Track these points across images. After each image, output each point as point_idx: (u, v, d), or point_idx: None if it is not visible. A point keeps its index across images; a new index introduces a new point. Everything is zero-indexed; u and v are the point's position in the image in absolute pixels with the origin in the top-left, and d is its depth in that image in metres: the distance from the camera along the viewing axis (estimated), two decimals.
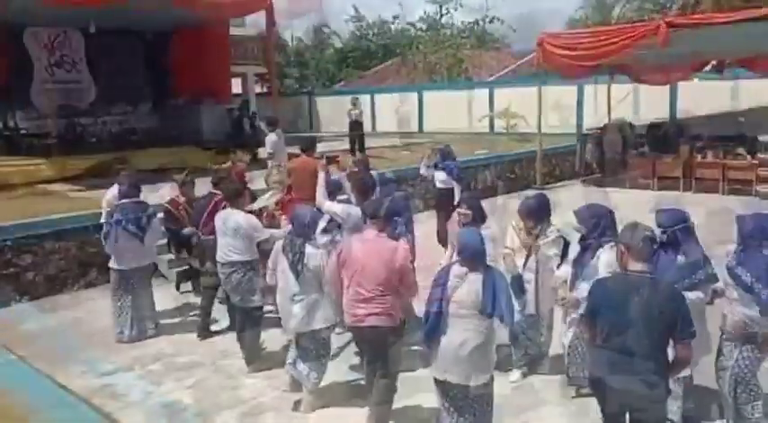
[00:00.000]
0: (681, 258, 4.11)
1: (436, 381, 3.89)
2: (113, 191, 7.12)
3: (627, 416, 3.37)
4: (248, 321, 5.77)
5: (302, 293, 4.70)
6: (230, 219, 5.71)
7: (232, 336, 6.15)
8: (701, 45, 12.60)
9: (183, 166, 7.74)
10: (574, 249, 4.68)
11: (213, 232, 6.07)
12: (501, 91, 20.61)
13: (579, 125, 18.02)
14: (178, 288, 8.02)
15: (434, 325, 3.77)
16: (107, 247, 6.47)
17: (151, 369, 5.81)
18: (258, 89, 24.68)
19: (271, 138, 10.71)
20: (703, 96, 15.70)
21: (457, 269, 3.79)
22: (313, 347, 4.85)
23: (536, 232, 5.01)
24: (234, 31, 17.97)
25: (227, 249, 5.69)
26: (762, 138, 12.75)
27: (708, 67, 15.54)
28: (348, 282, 4.29)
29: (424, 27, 33.55)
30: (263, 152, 11.25)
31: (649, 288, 3.21)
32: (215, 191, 6.65)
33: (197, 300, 7.55)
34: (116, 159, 11.94)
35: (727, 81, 15.19)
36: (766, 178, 12.53)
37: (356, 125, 16.25)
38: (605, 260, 4.25)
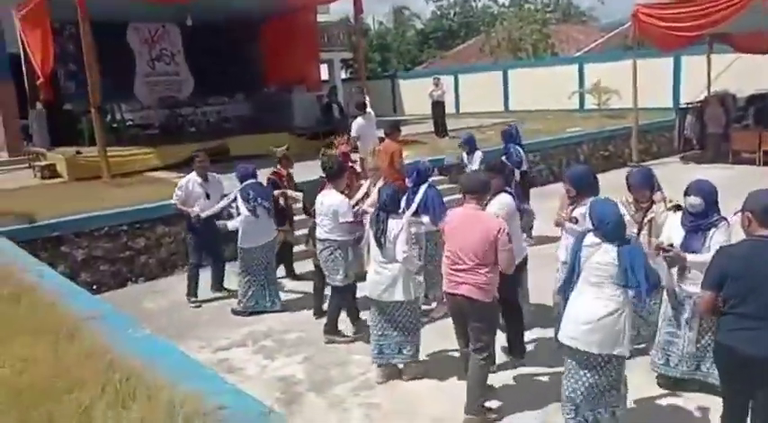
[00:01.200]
0: None
1: (562, 345, 3.97)
2: (188, 177, 7.37)
3: (754, 393, 3.30)
4: (332, 296, 6.10)
5: (387, 265, 4.95)
6: (326, 198, 5.96)
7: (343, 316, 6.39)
8: None
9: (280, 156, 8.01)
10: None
11: None
12: (591, 66, 19.94)
13: (677, 99, 17.19)
14: (292, 274, 8.20)
15: (563, 286, 3.95)
16: (239, 225, 6.77)
17: (264, 345, 6.12)
18: (344, 74, 25.02)
19: (357, 121, 10.86)
20: None
21: (590, 238, 3.84)
22: (399, 320, 5.06)
23: (645, 205, 4.90)
24: (320, 17, 18.29)
25: (322, 227, 5.98)
26: None
27: None
28: (448, 251, 4.45)
29: (507, 3, 32.88)
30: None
31: None
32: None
33: (300, 282, 7.91)
34: (216, 147, 12.47)
35: None
36: None
37: (438, 106, 16.20)
38: (718, 240, 4.15)
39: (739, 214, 3.38)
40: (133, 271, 8.76)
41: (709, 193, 4.32)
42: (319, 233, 6.00)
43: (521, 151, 8.36)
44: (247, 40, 16.86)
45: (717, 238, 4.18)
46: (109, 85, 13.39)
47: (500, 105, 22.20)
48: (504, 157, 8.00)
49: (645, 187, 4.96)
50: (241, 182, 6.90)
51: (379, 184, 6.37)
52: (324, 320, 6.19)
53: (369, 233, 5.11)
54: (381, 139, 9.50)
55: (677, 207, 4.64)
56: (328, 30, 21.65)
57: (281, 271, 8.05)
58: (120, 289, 8.44)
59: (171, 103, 16.18)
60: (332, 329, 6.04)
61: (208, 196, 7.26)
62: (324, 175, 6.32)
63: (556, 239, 5.51)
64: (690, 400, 4.46)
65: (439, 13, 40.00)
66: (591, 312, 3.78)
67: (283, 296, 7.39)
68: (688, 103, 15.62)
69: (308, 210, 6.73)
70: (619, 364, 3.91)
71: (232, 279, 7.47)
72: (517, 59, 26.30)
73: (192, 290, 7.49)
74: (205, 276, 7.66)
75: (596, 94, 18.17)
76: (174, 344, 5.64)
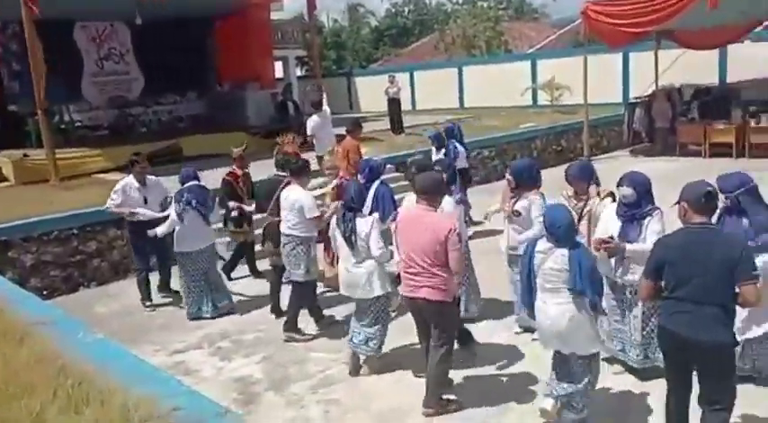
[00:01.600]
0: (746, 222, 4.13)
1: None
2: (125, 181, 7.17)
3: (693, 370, 3.44)
4: (292, 292, 6.09)
5: (359, 263, 4.98)
6: (291, 194, 5.96)
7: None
8: (752, 4, 12.16)
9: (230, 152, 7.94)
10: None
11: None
12: (543, 62, 20.29)
13: (626, 94, 17.65)
14: (229, 276, 7.99)
15: (524, 295, 4.06)
16: (166, 230, 6.67)
17: (220, 346, 6.06)
18: (299, 72, 24.87)
19: (313, 119, 10.82)
20: (755, 59, 15.16)
21: (542, 244, 3.93)
22: (372, 314, 5.08)
23: (584, 198, 5.04)
24: (273, 15, 18.14)
25: (285, 222, 5.97)
26: None
27: (760, 28, 14.99)
28: (402, 253, 4.44)
29: (461, 0, 33.16)
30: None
31: (712, 237, 3.31)
32: (281, 173, 6.72)
33: (256, 281, 7.87)
34: (167, 147, 12.25)
35: None
36: None
37: (394, 103, 16.29)
38: (654, 229, 4.29)
39: (677, 205, 3.50)
40: (85, 275, 8.55)
41: (640, 184, 4.43)
42: (283, 228, 6.00)
43: (459, 149, 8.41)
44: (200, 37, 16.61)
45: (652, 227, 4.31)
46: (55, 86, 12.98)
47: (455, 102, 22.40)
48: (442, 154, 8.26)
49: (582, 180, 5.07)
50: (182, 184, 6.79)
51: (334, 182, 6.40)
52: (282, 320, 6.16)
53: (336, 233, 5.09)
54: (339, 137, 9.50)
55: (611, 194, 4.80)
56: (282, 27, 21.47)
57: (243, 271, 8.01)
58: (72, 294, 8.24)
59: (121, 102, 15.81)
60: (292, 327, 6.02)
61: (146, 201, 7.09)
62: (280, 173, 6.30)
63: (497, 232, 5.66)
64: (647, 385, 4.58)
65: (393, 10, 40.19)
66: (557, 322, 3.87)
67: (240, 297, 7.34)
68: (636, 98, 16.07)
69: (264, 207, 6.68)
70: (596, 360, 4.06)
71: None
72: (471, 56, 26.58)
73: (146, 294, 7.36)
74: (156, 279, 7.54)
75: (549, 90, 18.52)
76: (128, 348, 5.56)
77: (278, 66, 21.30)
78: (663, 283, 3.43)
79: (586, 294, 3.80)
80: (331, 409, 4.72)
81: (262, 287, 7.58)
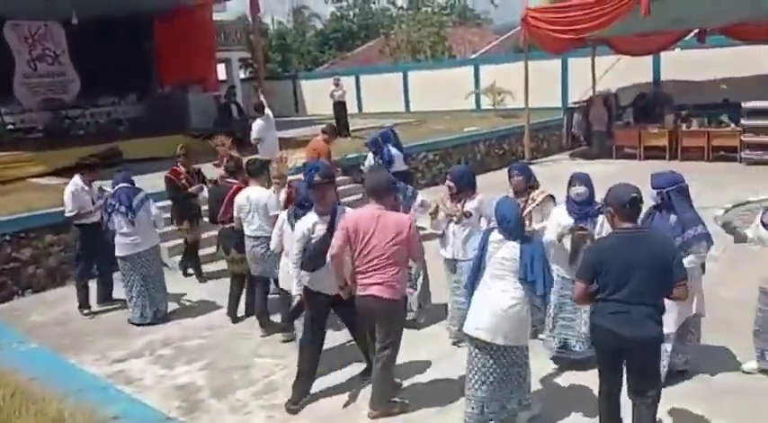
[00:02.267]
0: (674, 218, 4.36)
1: (469, 338, 4.14)
2: (75, 185, 6.99)
3: (624, 366, 3.59)
4: (281, 291, 5.93)
5: None
6: (253, 193, 5.95)
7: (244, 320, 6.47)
8: (682, 13, 12.72)
9: (172, 154, 7.86)
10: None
11: (233, 221, 6.29)
12: (486, 67, 20.65)
13: (565, 99, 18.16)
14: (185, 273, 8.16)
15: (470, 278, 4.19)
16: (113, 235, 6.56)
17: (162, 354, 5.94)
18: (243, 74, 24.56)
19: (258, 123, 10.73)
20: (686, 65, 15.87)
21: (495, 235, 4.08)
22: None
23: (525, 197, 5.24)
24: (216, 15, 17.88)
25: (251, 223, 5.95)
26: (744, 104, 12.93)
27: (689, 36, 15.69)
28: (355, 253, 4.42)
29: (405, 5, 33.45)
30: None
31: (645, 241, 3.46)
32: (231, 180, 6.70)
33: (201, 286, 7.75)
34: (106, 151, 11.91)
35: (709, 49, 15.35)
36: (751, 144, 12.76)
37: (339, 106, 16.30)
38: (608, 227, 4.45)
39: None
40: (19, 283, 8.22)
41: (590, 182, 4.72)
42: (250, 231, 5.97)
43: (394, 153, 8.42)
44: (139, 38, 16.21)
45: (607, 226, 4.45)
46: None
47: (401, 106, 22.56)
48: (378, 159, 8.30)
49: (522, 175, 5.30)
50: (113, 188, 6.68)
51: (283, 193, 6.36)
52: (239, 326, 6.20)
53: (285, 227, 5.10)
54: (282, 141, 9.45)
55: (550, 197, 5.08)
56: (225, 28, 21.16)
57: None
58: (6, 302, 7.91)
59: (56, 104, 15.30)
60: (289, 326, 5.89)
61: (93, 202, 6.95)
62: (230, 180, 6.30)
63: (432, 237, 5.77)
64: (586, 378, 4.70)
65: (339, 14, 40.09)
66: (497, 304, 3.97)
67: (183, 302, 7.22)
68: (575, 103, 16.55)
69: (216, 217, 6.59)
70: (523, 354, 4.14)
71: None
72: (416, 61, 26.82)
73: (84, 301, 7.15)
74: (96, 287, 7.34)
75: (491, 95, 18.84)
76: (66, 357, 5.41)
77: (221, 68, 21.00)
78: (597, 286, 3.55)
79: (536, 285, 3.91)
80: (275, 415, 4.69)
81: (205, 293, 7.49)
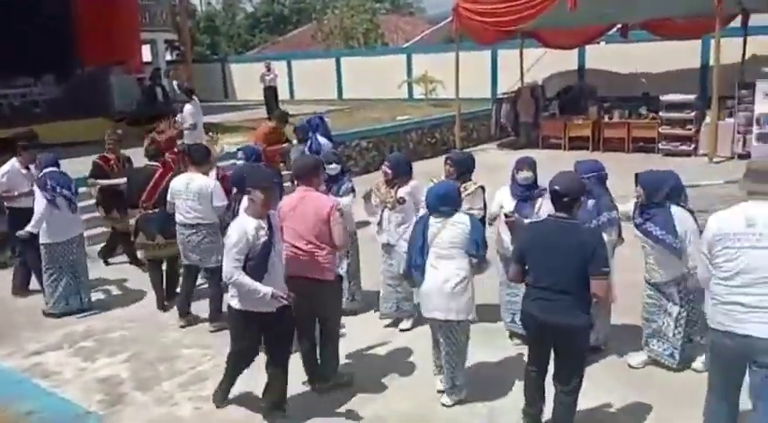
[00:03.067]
0: (591, 202, 4.61)
1: (429, 320, 4.31)
2: (10, 165, 6.81)
3: (551, 350, 3.73)
4: (210, 280, 5.89)
5: None
6: (195, 181, 5.73)
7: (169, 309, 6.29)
8: (606, 9, 13.18)
9: (94, 138, 7.54)
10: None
11: (157, 206, 6.16)
12: (418, 57, 20.76)
13: (494, 90, 18.51)
14: (106, 262, 7.86)
15: (415, 259, 4.23)
16: (39, 221, 6.14)
17: (83, 346, 5.69)
18: (168, 56, 23.76)
19: (186, 108, 10.45)
20: (609, 59, 16.46)
21: (435, 217, 4.18)
22: None
23: (395, 183, 5.40)
24: None
25: (187, 212, 5.74)
26: (663, 97, 13.52)
27: (613, 31, 16.27)
28: (286, 236, 4.44)
29: None
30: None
31: (569, 231, 3.58)
32: (153, 164, 6.50)
33: (124, 275, 7.49)
34: (23, 134, 11.25)
35: (631, 44, 15.97)
36: (667, 136, 13.39)
37: (270, 91, 16.03)
38: (548, 208, 4.58)
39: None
40: None
41: (535, 167, 4.95)
42: (186, 218, 5.76)
43: (322, 141, 8.28)
44: (57, 16, 15.35)
45: (545, 207, 4.60)
46: None
47: (334, 93, 22.41)
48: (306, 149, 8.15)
49: (461, 166, 5.31)
50: (41, 171, 6.35)
51: (212, 175, 6.21)
52: (164, 316, 6.06)
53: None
54: (208, 125, 9.19)
55: (481, 188, 5.24)
56: (150, 8, 20.35)
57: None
58: None
59: None
60: (218, 316, 5.75)
61: (31, 185, 6.57)
62: (152, 163, 6.09)
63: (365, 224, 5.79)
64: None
65: None
66: (446, 283, 4.10)
67: (103, 294, 6.96)
68: (503, 94, 16.89)
69: (135, 198, 6.36)
70: (466, 330, 4.29)
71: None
72: (349, 48, 26.68)
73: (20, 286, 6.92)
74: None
75: (423, 84, 18.99)
76: None
77: (146, 49, 20.23)
78: (528, 269, 3.69)
79: (483, 257, 4.13)
80: (203, 406, 4.59)
81: (129, 282, 7.24)
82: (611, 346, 4.99)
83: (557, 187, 3.60)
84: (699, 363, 4.56)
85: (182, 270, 6.23)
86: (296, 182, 4.63)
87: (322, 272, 4.40)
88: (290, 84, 22.82)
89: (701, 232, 4.40)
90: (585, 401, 3.94)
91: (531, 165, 4.96)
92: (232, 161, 8.16)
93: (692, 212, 4.48)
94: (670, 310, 4.52)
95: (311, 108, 17.94)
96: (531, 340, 3.82)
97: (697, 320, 4.48)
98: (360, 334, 5.51)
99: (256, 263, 4.03)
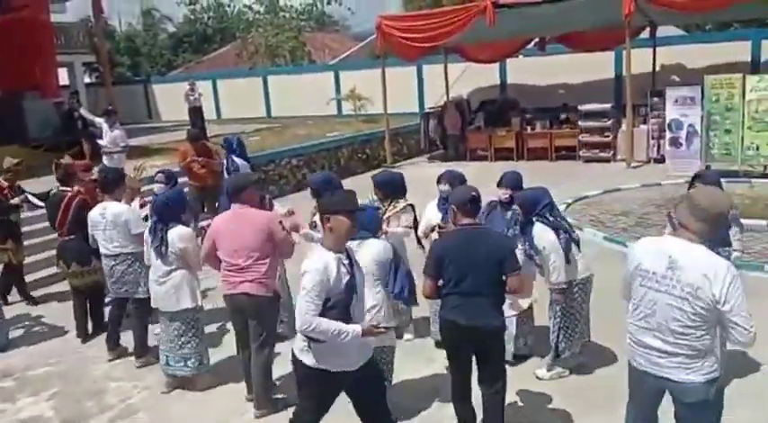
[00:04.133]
0: (510, 213, 4.81)
1: None
2: None
3: (473, 356, 3.78)
4: (135, 313, 5.64)
5: (168, 274, 4.79)
6: (110, 209, 5.52)
7: (95, 342, 6.02)
8: (523, 23, 13.67)
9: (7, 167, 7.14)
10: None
11: (72, 233, 5.97)
12: (346, 73, 20.90)
13: (422, 104, 18.82)
14: (5, 300, 7.27)
15: None
16: None
17: (1, 386, 5.38)
18: (87, 79, 22.99)
19: (111, 131, 10.13)
20: (529, 71, 17.05)
21: (352, 243, 4.06)
22: (183, 328, 4.88)
23: (387, 203, 5.29)
24: (54, 17, 16.56)
25: (107, 241, 5.53)
26: (581, 107, 14.10)
27: (531, 45, 16.88)
28: (222, 254, 4.41)
29: (262, 9, 32.96)
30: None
31: (482, 237, 3.70)
32: (65, 188, 6.29)
33: (44, 310, 7.13)
34: None
35: (549, 56, 16.60)
36: (587, 143, 13.94)
37: (195, 111, 15.76)
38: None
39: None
40: None
41: (456, 178, 5.04)
42: (108, 249, 5.54)
43: (239, 162, 8.08)
44: None
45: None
46: None
47: (262, 111, 22.23)
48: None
49: (387, 188, 5.29)
50: None
51: (135, 203, 6.03)
52: (90, 348, 5.79)
53: (147, 245, 4.92)
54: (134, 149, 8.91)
55: (410, 206, 5.21)
56: (66, 30, 19.65)
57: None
58: None
59: None
60: (145, 351, 5.54)
61: None
62: (63, 188, 5.84)
63: None
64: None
65: (192, 17, 38.72)
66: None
67: (22, 330, 6.60)
68: (430, 108, 17.21)
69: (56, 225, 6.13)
70: (387, 353, 4.27)
71: None
72: (275, 66, 26.55)
73: None
74: None
75: (352, 101, 19.11)
76: None
77: (63, 72, 19.47)
78: (442, 281, 3.73)
79: (402, 295, 4.12)
80: None
81: (49, 317, 6.88)
82: (539, 349, 5.04)
83: (474, 194, 3.77)
84: (549, 372, 4.73)
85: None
86: (231, 198, 4.58)
87: (259, 288, 4.36)
88: (217, 103, 22.50)
89: (575, 242, 4.59)
90: (515, 402, 4.02)
91: (450, 178, 5.07)
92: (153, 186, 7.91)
93: (565, 225, 4.62)
94: (551, 314, 4.72)
95: (239, 127, 17.73)
96: (452, 349, 3.85)
97: (569, 334, 4.66)
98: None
99: (339, 310, 3.23)
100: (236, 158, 8.05)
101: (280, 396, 4.63)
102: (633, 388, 3.23)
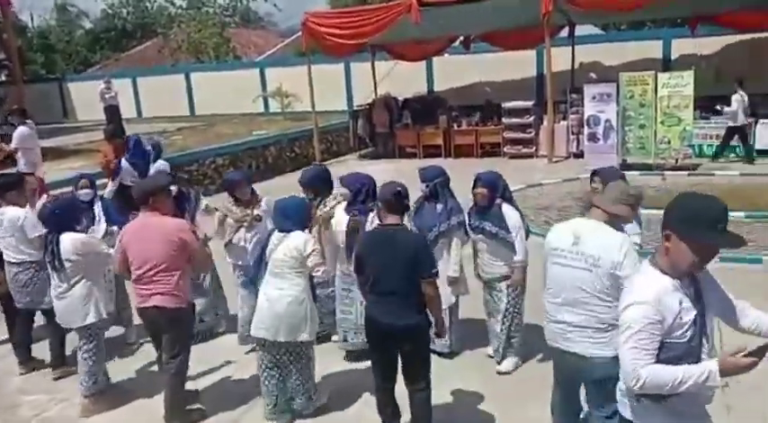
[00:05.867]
0: (440, 207, 4.77)
1: (255, 339, 4.18)
2: None
3: (398, 354, 3.75)
4: (48, 323, 5.28)
5: (68, 289, 4.54)
6: (5, 215, 5.17)
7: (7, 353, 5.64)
8: (448, 22, 13.86)
9: None
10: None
11: None
12: (272, 70, 20.63)
13: (350, 102, 18.80)
14: None
15: (253, 280, 4.23)
16: None
17: None
18: None
19: (20, 131, 9.59)
20: (455, 69, 17.33)
21: (275, 235, 4.11)
22: (90, 344, 4.64)
23: (317, 201, 5.25)
24: None
25: (10, 249, 5.20)
26: (505, 105, 14.43)
27: (456, 43, 17.16)
28: (132, 266, 4.22)
29: (184, 5, 32.06)
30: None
31: (400, 237, 3.68)
32: None
33: None
34: None
35: (474, 55, 16.92)
36: (511, 140, 14.29)
37: (112, 109, 15.19)
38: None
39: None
40: None
41: (353, 182, 4.93)
42: (10, 257, 5.19)
43: (125, 167, 7.62)
44: None
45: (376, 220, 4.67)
46: None
47: (185, 110, 21.65)
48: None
49: (314, 186, 5.26)
50: None
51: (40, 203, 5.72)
52: (11, 359, 5.42)
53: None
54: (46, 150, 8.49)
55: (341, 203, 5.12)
56: None
57: None
58: None
59: None
60: (62, 361, 5.25)
61: None
62: None
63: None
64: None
65: (110, 11, 37.27)
66: (276, 301, 4.02)
67: None
68: (359, 106, 17.21)
69: None
70: (306, 350, 4.21)
71: None
72: (199, 63, 25.91)
73: None
74: None
75: (279, 98, 18.89)
76: None
77: None
78: (363, 280, 3.74)
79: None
80: None
81: None
82: (461, 345, 5.10)
83: (398, 189, 3.74)
84: (510, 363, 4.79)
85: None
86: (141, 206, 4.30)
87: (170, 300, 4.16)
88: (137, 102, 21.78)
89: (527, 231, 4.77)
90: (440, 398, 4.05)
91: (347, 182, 4.93)
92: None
93: (518, 211, 4.74)
94: (499, 306, 4.75)
95: (161, 126, 17.23)
96: (375, 349, 3.83)
97: (519, 320, 4.76)
98: (220, 357, 5.31)
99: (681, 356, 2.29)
100: (124, 161, 7.64)
101: (195, 407, 4.48)
102: (555, 370, 3.49)
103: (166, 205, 4.34)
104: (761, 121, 12.11)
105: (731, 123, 11.76)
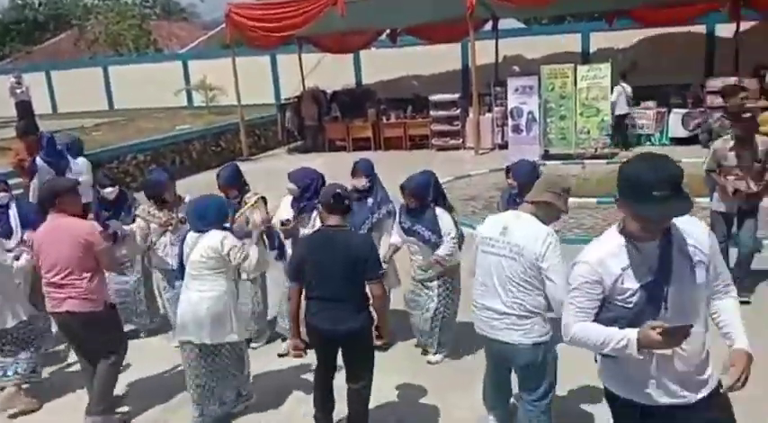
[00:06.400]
0: (371, 200, 4.81)
1: (181, 343, 4.03)
2: None
3: (339, 354, 3.74)
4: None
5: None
6: None
7: None
8: (375, 15, 13.86)
9: None
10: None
11: None
12: (195, 63, 20.10)
13: (278, 95, 18.53)
14: None
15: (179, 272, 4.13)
16: None
17: None
18: None
19: None
20: (383, 63, 17.37)
21: (190, 236, 3.99)
22: (17, 342, 4.47)
23: (236, 200, 5.08)
24: None
25: None
26: (431, 97, 14.58)
27: (383, 36, 17.19)
28: (44, 269, 4.05)
29: None
30: None
31: (343, 239, 3.59)
32: None
33: None
34: None
35: (401, 48, 17.00)
36: (438, 132, 14.46)
37: (24, 105, 14.39)
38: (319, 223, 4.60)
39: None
40: None
41: (301, 178, 4.79)
42: None
43: (40, 164, 7.23)
44: None
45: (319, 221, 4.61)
46: None
47: (104, 104, 20.79)
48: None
49: (231, 185, 5.08)
50: None
51: None
52: None
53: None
54: None
55: (262, 199, 5.01)
56: None
57: None
58: None
59: None
60: None
61: None
62: None
63: None
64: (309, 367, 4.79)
65: (20, 2, 35.30)
66: (197, 304, 3.90)
67: None
68: (287, 99, 16.99)
69: None
70: (236, 349, 4.10)
71: None
72: (118, 55, 24.93)
73: None
74: None
75: (203, 92, 18.41)
76: None
77: None
78: (304, 285, 3.63)
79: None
80: None
81: None
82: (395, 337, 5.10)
83: (337, 191, 3.65)
84: (440, 354, 4.83)
85: None
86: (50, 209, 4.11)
87: (83, 304, 4.00)
88: (52, 96, 20.76)
89: (461, 236, 4.74)
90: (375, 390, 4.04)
91: (294, 178, 4.81)
92: None
93: (451, 210, 4.73)
94: (428, 305, 4.75)
95: (78, 121, 16.48)
96: (317, 350, 3.80)
97: (450, 319, 4.79)
98: (148, 361, 5.12)
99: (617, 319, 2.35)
100: (39, 160, 7.24)
101: (123, 410, 4.34)
102: (486, 356, 3.62)
103: (73, 206, 4.16)
104: (673, 110, 12.75)
105: (617, 112, 12.44)
